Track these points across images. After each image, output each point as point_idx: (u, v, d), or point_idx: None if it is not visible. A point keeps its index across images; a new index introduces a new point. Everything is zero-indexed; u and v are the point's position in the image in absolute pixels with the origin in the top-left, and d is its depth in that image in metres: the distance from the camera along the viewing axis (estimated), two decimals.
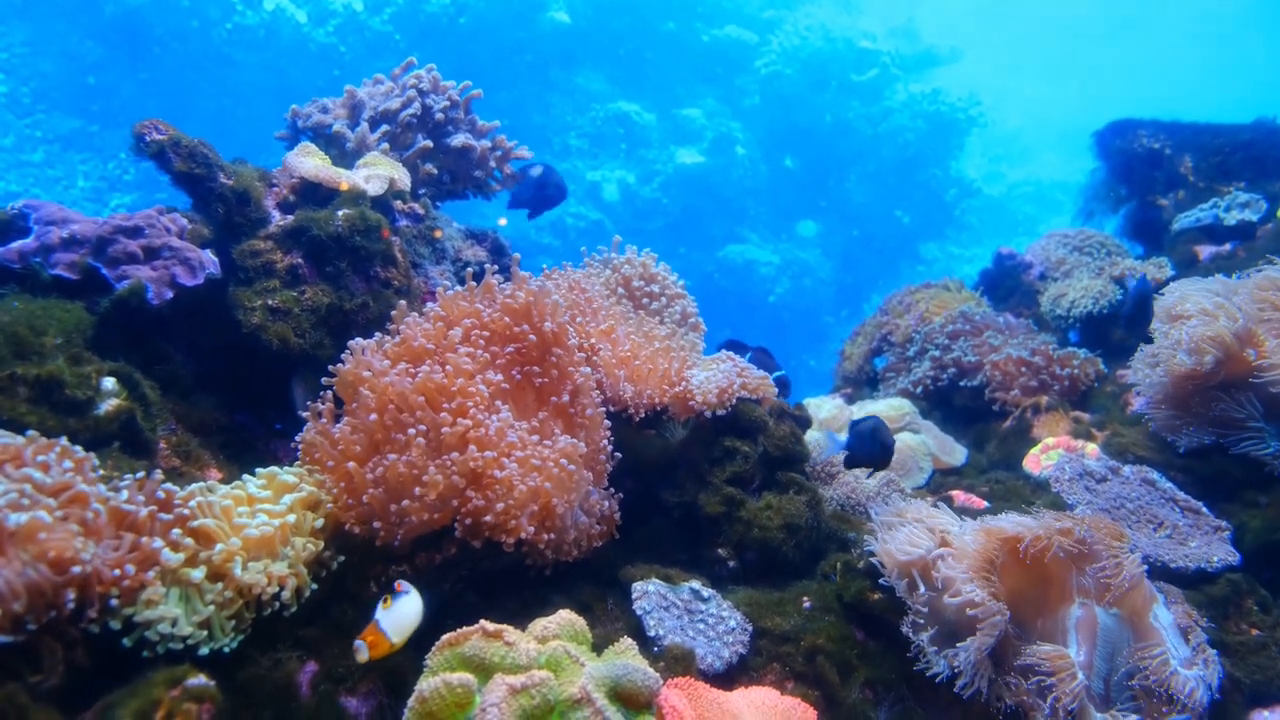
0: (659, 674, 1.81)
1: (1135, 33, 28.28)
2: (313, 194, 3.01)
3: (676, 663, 2.07)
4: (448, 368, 2.32)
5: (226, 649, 1.87)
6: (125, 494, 1.88)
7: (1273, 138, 4.69)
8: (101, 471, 1.92)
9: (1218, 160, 4.77)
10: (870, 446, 2.73)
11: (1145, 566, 2.16)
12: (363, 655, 1.79)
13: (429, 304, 2.74)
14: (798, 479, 2.82)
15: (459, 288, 2.64)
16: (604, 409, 2.71)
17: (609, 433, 2.63)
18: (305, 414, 2.41)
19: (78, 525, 1.72)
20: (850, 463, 2.87)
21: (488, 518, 2.14)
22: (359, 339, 2.48)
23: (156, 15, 13.65)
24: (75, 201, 12.87)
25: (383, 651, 1.81)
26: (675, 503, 2.83)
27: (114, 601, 1.74)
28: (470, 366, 2.35)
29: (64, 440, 1.90)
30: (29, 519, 1.64)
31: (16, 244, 2.48)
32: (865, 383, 4.90)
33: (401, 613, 1.85)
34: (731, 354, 3.04)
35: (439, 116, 3.57)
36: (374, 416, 2.23)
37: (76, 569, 1.66)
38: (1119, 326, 3.95)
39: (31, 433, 1.86)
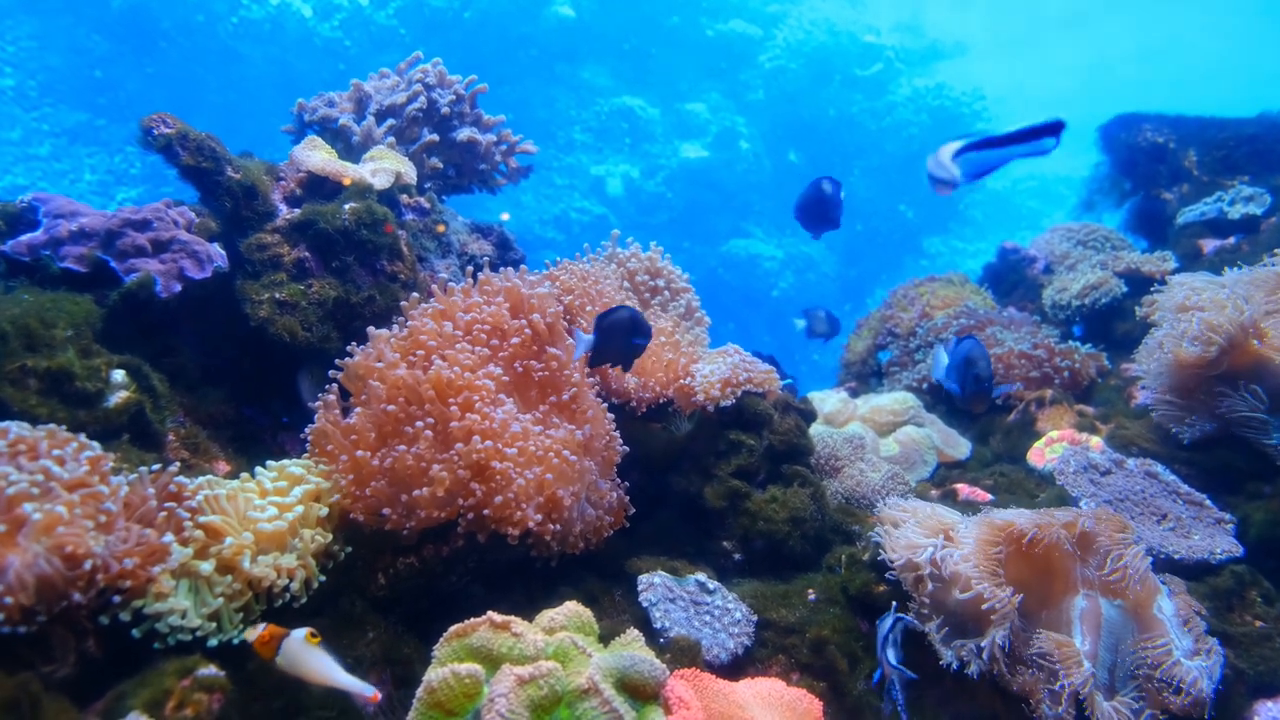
0: (665, 665, 1.82)
1: (1140, 26, 28.17)
2: (319, 188, 3.02)
3: (682, 654, 2.08)
4: (455, 368, 2.32)
5: (235, 640, 1.88)
6: (138, 488, 1.90)
7: (1277, 131, 4.68)
8: (110, 465, 1.93)
9: (1222, 154, 4.76)
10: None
11: (1150, 559, 2.17)
12: (250, 635, 1.72)
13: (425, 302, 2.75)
14: (802, 472, 2.83)
15: (461, 282, 2.65)
16: (609, 401, 2.72)
17: (614, 425, 2.64)
18: (314, 405, 2.43)
19: (91, 520, 1.73)
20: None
21: (487, 511, 2.15)
22: (383, 329, 2.48)
23: (163, 9, 13.68)
24: (82, 195, 12.89)
25: (264, 653, 1.70)
26: (681, 495, 2.84)
27: (117, 599, 1.76)
28: (470, 361, 2.36)
29: (82, 436, 1.91)
30: (47, 512, 1.65)
31: (26, 237, 2.49)
32: (870, 376, 4.90)
33: (308, 654, 1.70)
34: (738, 347, 3.04)
35: (444, 111, 3.58)
36: (391, 407, 2.25)
37: (89, 563, 1.67)
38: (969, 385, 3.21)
39: (51, 426, 1.88)
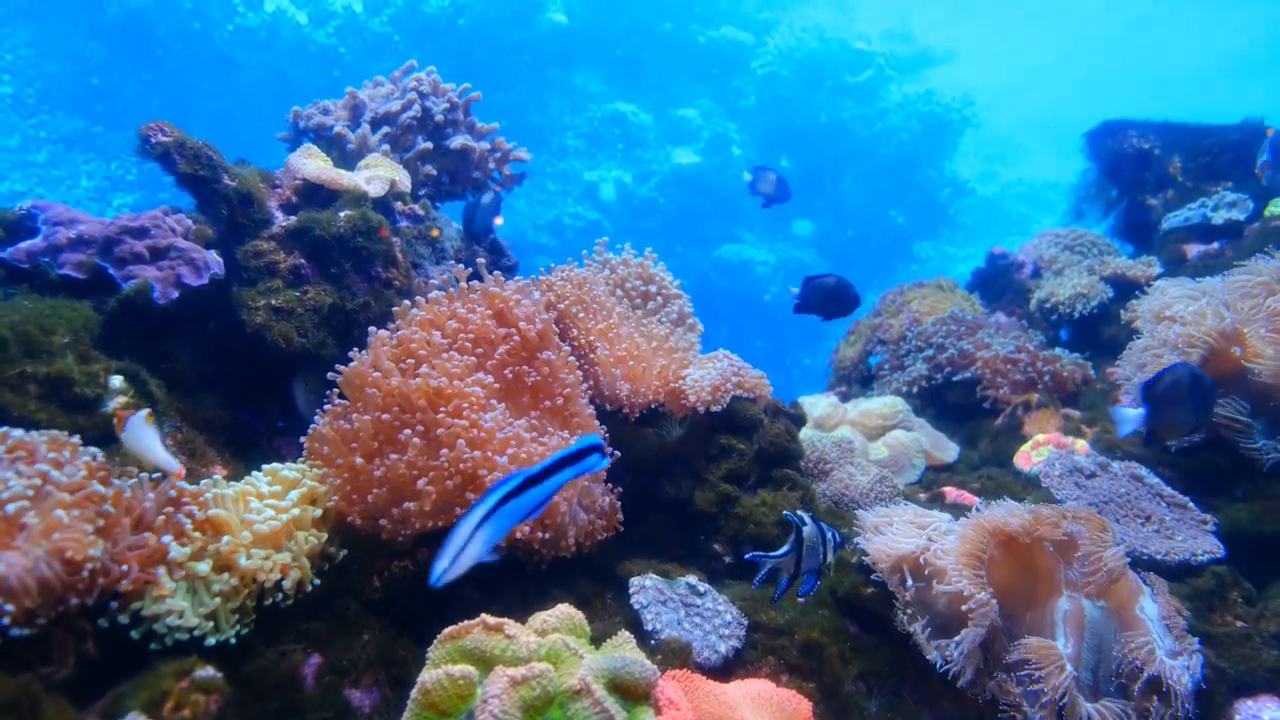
0: (656, 666, 1.85)
1: (1128, 33, 28.33)
2: (315, 195, 3.05)
3: (673, 655, 2.10)
4: (440, 378, 2.34)
5: (232, 640, 1.91)
6: (138, 492, 1.92)
7: (1260, 138, 4.73)
8: (109, 470, 1.95)
9: (1206, 160, 4.82)
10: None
11: (1128, 559, 2.20)
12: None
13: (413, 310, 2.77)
14: (792, 476, 2.86)
15: (442, 292, 2.67)
16: (602, 406, 2.75)
17: (605, 430, 2.67)
18: (315, 411, 2.45)
19: (90, 524, 1.75)
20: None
21: None
22: (382, 331, 2.51)
23: (159, 16, 13.68)
24: (78, 201, 12.87)
25: (118, 426, 2.07)
26: (672, 499, 2.87)
27: (114, 604, 1.78)
28: (459, 369, 2.39)
29: (77, 439, 1.94)
30: (46, 516, 1.68)
31: (25, 244, 2.52)
32: (860, 381, 4.94)
33: (141, 431, 2.03)
34: (728, 353, 3.08)
35: (439, 118, 3.61)
36: (387, 416, 2.28)
37: (88, 567, 1.70)
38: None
39: (55, 433, 1.91)
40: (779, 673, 2.24)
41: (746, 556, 2.19)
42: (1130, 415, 2.67)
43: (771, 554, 2.14)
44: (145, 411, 2.07)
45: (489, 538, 1.61)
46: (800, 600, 2.45)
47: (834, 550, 2.20)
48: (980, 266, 5.47)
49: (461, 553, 1.59)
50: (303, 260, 2.85)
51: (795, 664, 2.25)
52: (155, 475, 2.01)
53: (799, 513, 2.17)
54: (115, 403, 2.18)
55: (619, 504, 2.63)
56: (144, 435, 2.04)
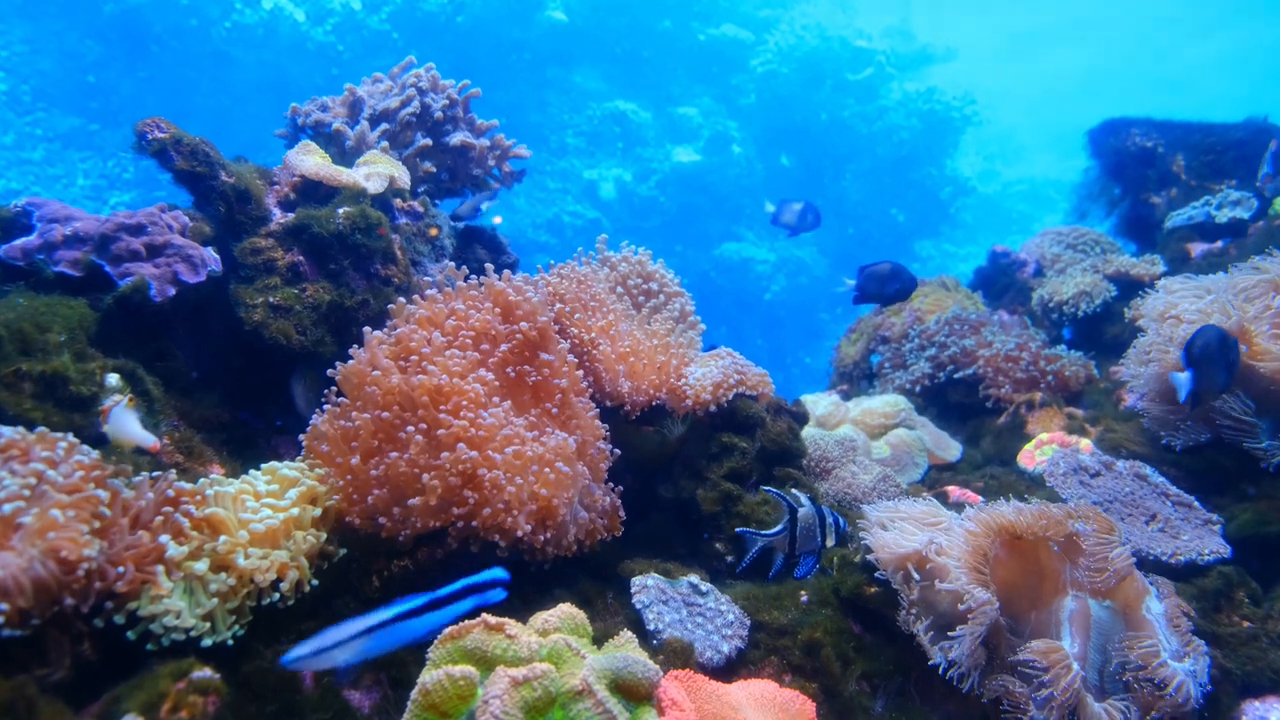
0: (658, 667, 1.84)
1: (1130, 31, 28.34)
2: (313, 192, 3.03)
3: (676, 655, 2.09)
4: (441, 376, 2.33)
5: (229, 641, 1.89)
6: (137, 491, 1.90)
7: (1263, 136, 4.72)
8: (105, 469, 1.93)
9: (1210, 159, 4.81)
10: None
11: (1134, 558, 2.19)
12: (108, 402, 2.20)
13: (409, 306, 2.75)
14: (795, 474, 2.84)
15: (438, 291, 2.65)
16: (602, 404, 2.73)
17: (605, 429, 2.65)
18: (314, 409, 2.43)
19: (86, 525, 1.73)
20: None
21: (475, 521, 2.16)
22: (377, 331, 2.49)
23: (156, 14, 13.65)
24: (75, 199, 12.86)
25: (103, 419, 2.15)
26: (673, 498, 2.85)
27: (109, 604, 1.76)
28: (460, 366, 2.37)
29: (71, 437, 1.92)
30: (42, 516, 1.66)
31: (20, 241, 2.50)
32: (861, 379, 4.92)
33: (122, 416, 2.15)
34: (730, 350, 3.06)
35: (438, 115, 3.59)
36: (387, 414, 2.26)
37: (84, 567, 1.68)
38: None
39: (44, 430, 1.88)
40: (782, 673, 2.23)
41: (737, 530, 2.19)
42: (1183, 379, 2.83)
43: (764, 532, 2.12)
44: (126, 398, 2.18)
45: (365, 648, 1.61)
46: (806, 594, 2.43)
47: (835, 535, 2.18)
48: (982, 265, 5.46)
49: (326, 652, 1.58)
50: (301, 257, 2.82)
51: (798, 664, 2.24)
52: (154, 475, 2.00)
53: (794, 492, 2.16)
54: (110, 401, 2.17)
55: (620, 503, 2.61)
56: (125, 419, 2.13)
